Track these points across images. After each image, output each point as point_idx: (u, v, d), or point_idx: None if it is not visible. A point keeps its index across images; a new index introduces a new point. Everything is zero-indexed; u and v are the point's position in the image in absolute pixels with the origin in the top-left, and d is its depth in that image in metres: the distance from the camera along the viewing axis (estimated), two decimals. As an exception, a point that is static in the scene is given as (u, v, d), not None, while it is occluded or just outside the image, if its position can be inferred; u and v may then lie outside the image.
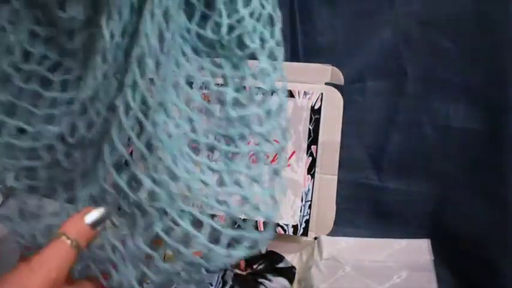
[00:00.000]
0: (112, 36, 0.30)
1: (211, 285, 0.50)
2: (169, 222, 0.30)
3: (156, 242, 0.31)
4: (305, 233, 0.54)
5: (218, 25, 0.33)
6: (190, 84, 0.34)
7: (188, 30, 0.33)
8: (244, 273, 0.51)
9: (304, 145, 0.55)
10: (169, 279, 0.31)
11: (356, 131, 0.56)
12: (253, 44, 0.32)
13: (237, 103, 0.33)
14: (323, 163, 0.55)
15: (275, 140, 0.33)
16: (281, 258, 0.53)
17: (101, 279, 0.33)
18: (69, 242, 0.29)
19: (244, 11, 0.32)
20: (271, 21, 0.32)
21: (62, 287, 0.28)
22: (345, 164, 0.56)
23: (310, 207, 0.54)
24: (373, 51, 0.55)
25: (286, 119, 0.33)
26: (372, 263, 0.51)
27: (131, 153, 0.32)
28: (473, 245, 0.50)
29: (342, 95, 0.55)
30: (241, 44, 0.32)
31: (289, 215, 0.54)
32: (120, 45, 0.31)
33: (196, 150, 0.33)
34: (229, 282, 0.50)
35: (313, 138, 0.55)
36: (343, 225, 0.56)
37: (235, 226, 0.31)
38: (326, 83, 0.55)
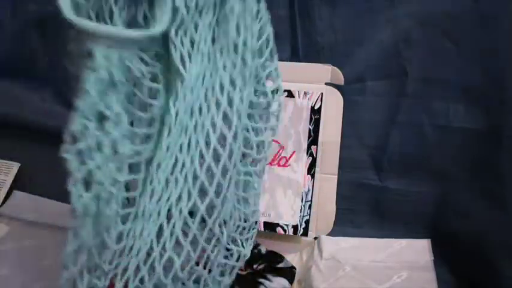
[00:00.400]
0: (177, 114, 0.33)
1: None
2: None
3: None
4: (305, 233, 0.54)
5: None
6: None
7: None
8: (244, 273, 0.51)
9: (304, 145, 0.55)
10: None
11: (356, 131, 0.56)
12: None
13: None
14: (323, 163, 0.55)
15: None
16: (281, 258, 0.53)
17: None
18: None
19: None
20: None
21: None
22: (345, 164, 0.56)
23: (310, 207, 0.54)
24: (373, 51, 0.55)
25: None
26: (372, 263, 0.51)
27: None
28: (473, 245, 0.50)
29: (342, 95, 0.55)
30: None
31: (289, 215, 0.54)
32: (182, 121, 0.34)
33: None
34: (229, 282, 0.50)
35: (313, 138, 0.55)
36: (343, 225, 0.56)
37: None
38: (326, 83, 0.55)
